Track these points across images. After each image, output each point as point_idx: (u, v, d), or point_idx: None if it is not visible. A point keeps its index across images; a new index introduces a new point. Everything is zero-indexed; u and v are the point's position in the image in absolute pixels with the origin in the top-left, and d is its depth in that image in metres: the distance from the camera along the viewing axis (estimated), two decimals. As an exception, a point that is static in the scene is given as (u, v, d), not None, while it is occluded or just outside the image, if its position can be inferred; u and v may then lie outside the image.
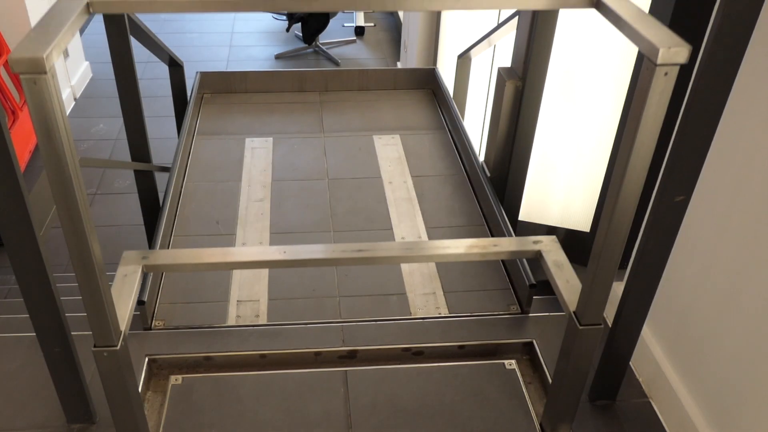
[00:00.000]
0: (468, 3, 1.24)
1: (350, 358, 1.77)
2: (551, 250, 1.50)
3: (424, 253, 1.51)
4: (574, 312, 1.36)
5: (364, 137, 2.88)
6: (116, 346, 1.26)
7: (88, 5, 1.13)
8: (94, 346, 1.26)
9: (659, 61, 1.00)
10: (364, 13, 6.41)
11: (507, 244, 1.61)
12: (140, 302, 1.81)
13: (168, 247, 2.16)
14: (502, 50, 3.04)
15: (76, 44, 4.83)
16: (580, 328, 1.33)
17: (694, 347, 1.53)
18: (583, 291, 1.35)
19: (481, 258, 1.53)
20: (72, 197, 1.10)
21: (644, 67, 1.06)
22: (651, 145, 1.11)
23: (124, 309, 1.32)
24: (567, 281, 1.42)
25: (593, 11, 1.27)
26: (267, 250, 1.59)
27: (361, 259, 1.46)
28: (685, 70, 1.84)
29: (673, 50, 0.99)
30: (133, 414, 1.38)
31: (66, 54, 4.59)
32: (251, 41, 5.93)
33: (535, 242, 1.52)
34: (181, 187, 2.50)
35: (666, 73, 1.04)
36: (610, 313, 1.86)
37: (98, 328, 1.24)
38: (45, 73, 0.94)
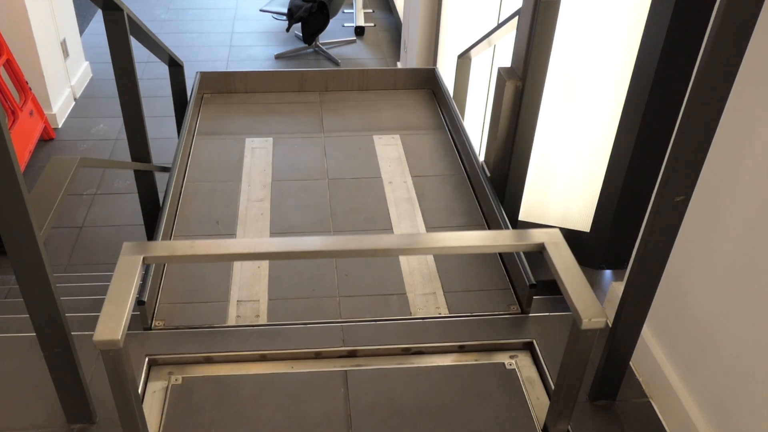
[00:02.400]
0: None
1: (350, 358, 1.77)
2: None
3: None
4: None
5: (364, 137, 2.88)
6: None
7: (143, 259, 1.39)
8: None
9: (583, 327, 1.30)
10: (364, 12, 6.41)
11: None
12: (140, 302, 1.81)
13: (168, 247, 2.16)
14: (502, 50, 3.04)
15: (76, 44, 4.83)
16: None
17: (694, 347, 1.53)
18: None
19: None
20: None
21: (573, 326, 1.37)
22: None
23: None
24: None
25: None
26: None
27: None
28: (685, 70, 1.84)
29: (593, 320, 1.30)
30: (133, 412, 1.38)
31: (66, 54, 4.59)
32: (251, 41, 5.93)
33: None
34: (181, 187, 2.50)
35: (588, 334, 1.34)
36: (610, 313, 1.86)
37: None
38: (120, 348, 1.25)
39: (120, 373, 1.31)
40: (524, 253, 2.03)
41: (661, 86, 1.92)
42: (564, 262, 1.44)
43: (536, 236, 1.51)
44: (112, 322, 1.26)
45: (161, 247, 1.44)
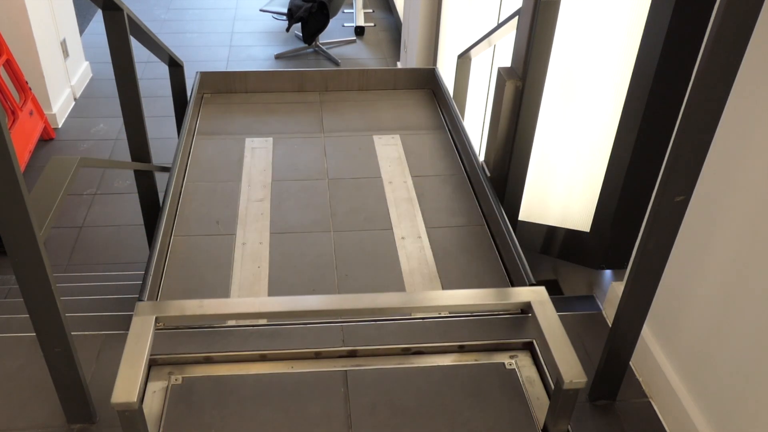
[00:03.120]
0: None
1: (350, 358, 1.77)
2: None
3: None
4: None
5: (364, 137, 2.88)
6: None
7: (156, 319, 1.54)
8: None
9: (565, 387, 1.42)
10: (364, 12, 6.41)
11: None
12: (140, 302, 1.81)
13: (168, 247, 2.16)
14: (502, 50, 3.04)
15: (76, 44, 4.83)
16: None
17: (694, 347, 1.53)
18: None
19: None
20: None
21: (556, 384, 1.47)
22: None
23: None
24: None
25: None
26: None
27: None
28: (685, 70, 1.84)
29: (574, 381, 1.42)
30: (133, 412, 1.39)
31: (66, 54, 4.59)
32: (251, 41, 5.94)
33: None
34: (181, 186, 2.50)
35: (571, 392, 1.44)
36: (610, 313, 1.86)
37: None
38: (136, 409, 1.37)
39: (135, 430, 1.40)
40: (524, 252, 2.03)
41: (661, 86, 1.92)
42: (549, 322, 1.58)
43: (523, 295, 1.67)
44: (129, 385, 1.38)
45: (172, 307, 1.62)
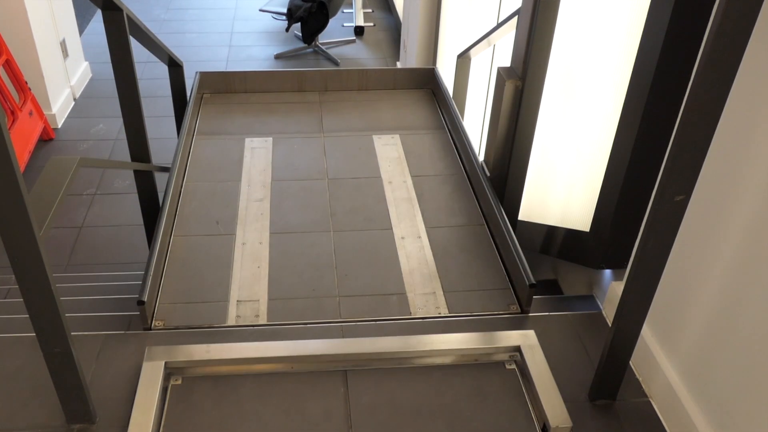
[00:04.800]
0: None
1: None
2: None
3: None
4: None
5: (363, 137, 2.88)
6: None
7: (165, 365, 1.65)
8: None
9: (551, 431, 1.52)
10: (364, 12, 6.41)
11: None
12: (140, 302, 1.81)
13: (168, 247, 2.16)
14: (502, 50, 3.04)
15: (75, 44, 4.82)
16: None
17: (695, 347, 1.53)
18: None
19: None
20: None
21: (543, 429, 1.56)
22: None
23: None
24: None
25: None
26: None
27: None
28: (684, 69, 1.84)
29: (561, 427, 1.52)
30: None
31: (66, 54, 4.59)
32: (251, 41, 5.93)
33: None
34: (181, 186, 2.50)
35: None
36: (609, 313, 1.86)
37: None
38: None
39: None
40: (524, 251, 2.03)
41: (660, 85, 1.92)
42: (537, 368, 1.65)
43: (513, 339, 1.74)
44: None
45: (181, 353, 1.70)
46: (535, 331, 1.82)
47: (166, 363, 1.63)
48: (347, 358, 1.70)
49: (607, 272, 2.32)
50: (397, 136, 2.88)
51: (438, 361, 1.75)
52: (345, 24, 6.29)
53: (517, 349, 1.71)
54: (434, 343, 1.75)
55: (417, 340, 1.76)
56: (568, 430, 1.52)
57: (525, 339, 1.74)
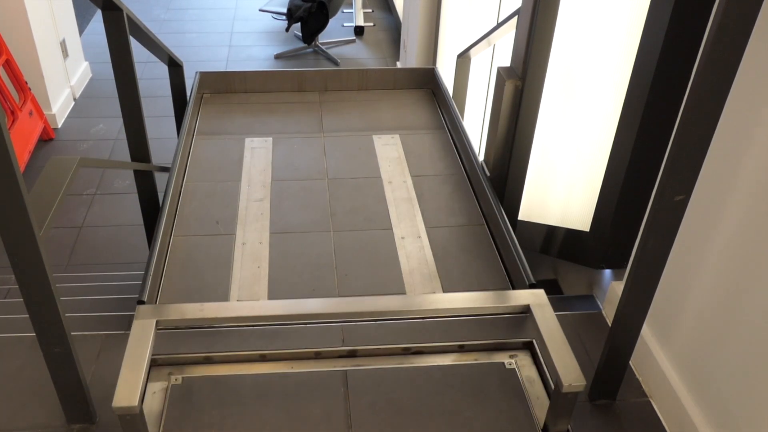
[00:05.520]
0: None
1: (350, 357, 1.77)
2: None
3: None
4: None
5: (363, 137, 2.88)
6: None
7: (156, 323, 1.54)
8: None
9: (564, 390, 1.43)
10: (364, 12, 6.41)
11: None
12: (140, 302, 1.81)
13: (168, 247, 2.16)
14: (502, 50, 3.04)
15: (75, 44, 4.82)
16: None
17: (694, 347, 1.53)
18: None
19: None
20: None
21: (555, 388, 1.48)
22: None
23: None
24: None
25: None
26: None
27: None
28: (684, 69, 1.84)
29: (573, 385, 1.42)
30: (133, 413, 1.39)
31: (65, 54, 4.59)
32: (251, 41, 5.93)
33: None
34: (181, 186, 2.50)
35: (570, 396, 1.44)
36: (609, 313, 1.86)
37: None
38: (137, 413, 1.37)
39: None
40: (523, 252, 2.03)
41: (660, 85, 1.92)
42: (548, 325, 1.58)
43: (522, 297, 1.67)
44: (130, 388, 1.38)
45: (173, 311, 1.62)
46: (535, 331, 1.82)
47: (157, 322, 1.57)
48: (347, 317, 1.68)
49: (607, 272, 2.32)
50: (397, 136, 2.88)
51: (438, 361, 1.75)
52: (345, 24, 6.29)
53: (527, 308, 1.65)
54: (438, 302, 1.70)
55: (420, 300, 1.73)
56: (581, 389, 1.43)
57: (535, 298, 1.67)
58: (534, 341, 1.79)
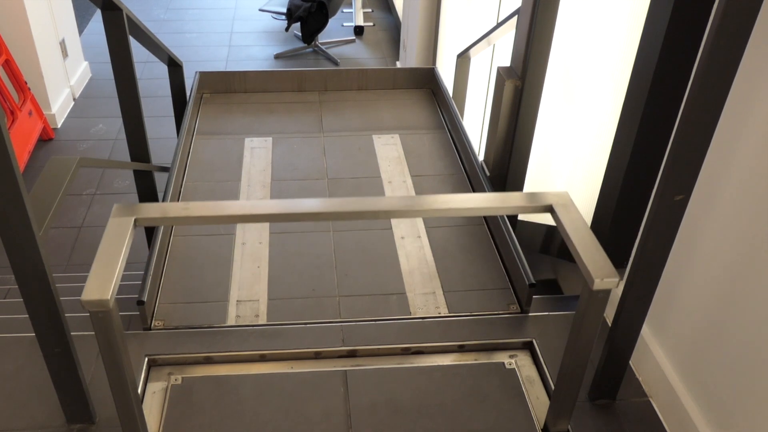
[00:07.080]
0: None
1: (350, 357, 1.77)
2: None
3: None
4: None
5: (363, 137, 2.88)
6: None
7: (135, 221, 1.36)
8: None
9: (594, 288, 1.24)
10: (363, 12, 6.41)
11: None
12: (140, 302, 1.81)
13: (168, 247, 2.16)
14: (502, 49, 3.04)
15: (75, 44, 4.82)
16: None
17: (694, 346, 1.53)
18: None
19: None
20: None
21: (584, 288, 1.30)
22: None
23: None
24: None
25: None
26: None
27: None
28: (684, 69, 1.84)
29: (606, 280, 1.23)
30: (133, 413, 1.38)
31: (65, 54, 4.59)
32: (250, 41, 5.93)
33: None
34: (181, 186, 2.50)
35: (600, 295, 1.27)
36: (609, 313, 1.86)
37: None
38: (109, 309, 1.19)
39: (110, 337, 1.24)
40: (523, 252, 2.03)
41: (660, 85, 1.92)
42: (573, 224, 1.39)
43: (545, 198, 1.45)
44: (101, 282, 1.19)
45: (153, 209, 1.40)
46: (535, 331, 1.83)
47: (135, 220, 1.38)
48: (343, 217, 1.46)
49: (607, 272, 2.31)
50: (396, 136, 2.88)
51: (438, 361, 1.75)
52: (345, 24, 6.29)
53: (550, 208, 1.43)
54: (449, 202, 1.45)
55: (429, 200, 1.48)
56: (614, 285, 1.26)
57: (558, 198, 1.45)
58: (534, 341, 1.79)
